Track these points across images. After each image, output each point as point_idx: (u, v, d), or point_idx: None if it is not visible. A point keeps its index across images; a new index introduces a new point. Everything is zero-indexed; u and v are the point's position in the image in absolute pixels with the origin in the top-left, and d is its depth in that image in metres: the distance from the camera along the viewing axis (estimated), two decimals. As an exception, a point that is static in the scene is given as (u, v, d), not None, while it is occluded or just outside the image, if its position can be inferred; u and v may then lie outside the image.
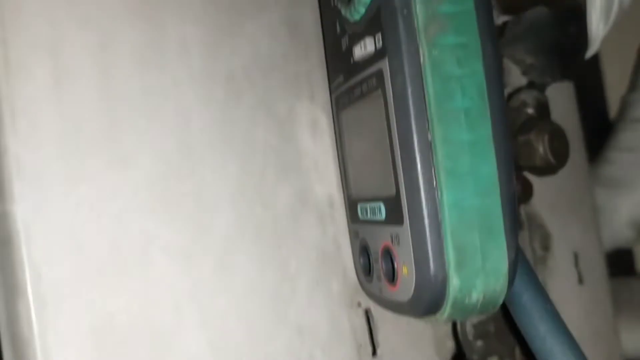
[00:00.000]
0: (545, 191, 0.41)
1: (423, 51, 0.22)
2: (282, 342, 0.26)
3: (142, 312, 0.21)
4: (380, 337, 0.31)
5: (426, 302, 0.24)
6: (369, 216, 0.27)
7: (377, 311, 0.31)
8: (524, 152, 0.33)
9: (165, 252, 0.22)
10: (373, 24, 0.24)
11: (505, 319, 0.39)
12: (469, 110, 0.22)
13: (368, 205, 0.27)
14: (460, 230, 0.23)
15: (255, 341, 0.25)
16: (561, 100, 0.42)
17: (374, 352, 0.31)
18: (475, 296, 0.23)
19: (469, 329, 0.37)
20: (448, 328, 0.36)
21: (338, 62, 0.28)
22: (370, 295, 0.29)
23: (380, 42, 0.23)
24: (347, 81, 0.27)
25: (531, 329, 0.31)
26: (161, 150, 0.22)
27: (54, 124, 0.20)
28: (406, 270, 0.24)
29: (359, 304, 0.30)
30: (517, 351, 0.40)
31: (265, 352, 0.25)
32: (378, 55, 0.24)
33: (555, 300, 0.41)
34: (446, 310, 0.24)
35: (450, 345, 0.36)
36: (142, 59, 0.23)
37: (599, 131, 0.62)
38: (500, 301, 0.24)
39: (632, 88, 0.58)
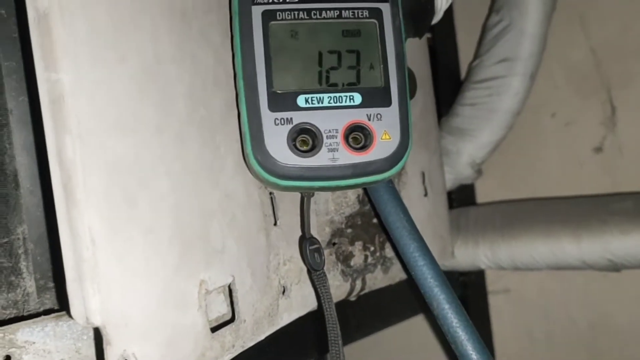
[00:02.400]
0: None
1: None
2: (217, 198, 0.37)
3: (136, 156, 0.31)
4: (279, 213, 0.43)
5: (400, 156, 0.38)
6: (329, 103, 0.38)
7: (277, 195, 0.43)
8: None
9: (147, 121, 0.32)
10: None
11: (367, 217, 0.52)
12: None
13: (332, 95, 0.38)
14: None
15: (200, 192, 0.36)
16: (417, 54, 0.56)
17: (275, 223, 0.43)
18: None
19: (342, 219, 0.50)
20: (327, 217, 0.49)
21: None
22: (302, 170, 0.37)
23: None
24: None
25: (384, 209, 0.44)
26: (145, 55, 0.33)
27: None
28: (388, 136, 0.37)
29: (266, 187, 0.42)
30: (377, 239, 0.53)
31: (208, 200, 0.36)
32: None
33: (406, 206, 0.55)
34: (400, 164, 0.38)
35: (328, 230, 0.49)
36: None
37: (453, 92, 0.77)
38: None
39: (475, 57, 0.73)
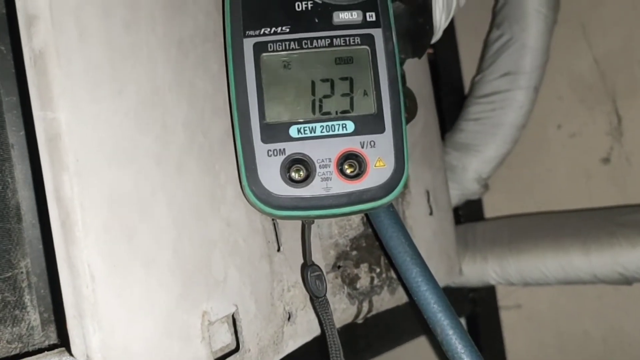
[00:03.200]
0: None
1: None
2: (218, 227, 0.37)
3: (135, 188, 0.31)
4: (282, 239, 0.43)
5: (396, 183, 0.37)
6: (321, 132, 0.37)
7: (280, 220, 0.43)
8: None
9: (146, 151, 0.32)
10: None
11: (372, 239, 0.52)
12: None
13: (324, 124, 0.37)
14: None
15: (201, 221, 0.36)
16: (418, 73, 0.56)
17: (279, 249, 0.42)
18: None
19: (346, 242, 0.50)
20: (332, 241, 0.49)
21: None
22: (296, 200, 0.37)
23: (373, 17, 0.38)
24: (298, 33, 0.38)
25: (385, 234, 0.43)
26: (142, 86, 0.33)
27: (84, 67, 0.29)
28: (382, 163, 0.37)
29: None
30: (382, 261, 0.53)
31: (209, 229, 0.36)
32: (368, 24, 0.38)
33: (411, 226, 0.55)
34: (395, 191, 0.37)
35: (332, 254, 0.49)
36: (128, 25, 0.33)
37: (457, 107, 0.76)
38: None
39: (478, 72, 0.72)
